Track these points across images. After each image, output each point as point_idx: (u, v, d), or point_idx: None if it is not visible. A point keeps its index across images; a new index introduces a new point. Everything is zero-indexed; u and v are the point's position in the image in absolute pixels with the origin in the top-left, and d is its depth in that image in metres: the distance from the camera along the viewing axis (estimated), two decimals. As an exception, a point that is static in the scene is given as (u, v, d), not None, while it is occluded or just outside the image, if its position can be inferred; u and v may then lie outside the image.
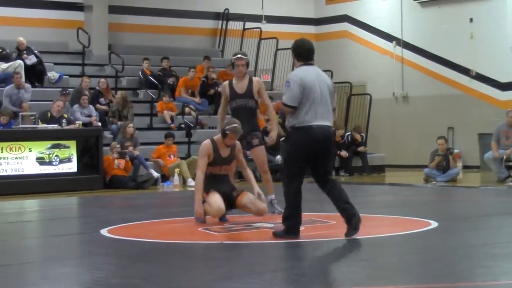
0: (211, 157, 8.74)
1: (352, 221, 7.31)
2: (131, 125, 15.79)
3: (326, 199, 7.59)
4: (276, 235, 7.37)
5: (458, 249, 6.99)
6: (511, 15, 18.80)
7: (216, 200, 8.60)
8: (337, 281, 5.74)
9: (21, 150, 14.22)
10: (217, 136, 8.82)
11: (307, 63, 7.32)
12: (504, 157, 14.85)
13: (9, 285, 5.70)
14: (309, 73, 7.23)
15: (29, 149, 14.33)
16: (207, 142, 8.78)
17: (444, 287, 5.28)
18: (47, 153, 14.54)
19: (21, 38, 17.13)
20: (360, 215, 7.32)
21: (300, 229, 7.38)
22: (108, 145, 15.51)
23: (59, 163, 14.63)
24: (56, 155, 14.60)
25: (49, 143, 14.59)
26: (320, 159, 7.28)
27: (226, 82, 9.54)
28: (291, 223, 7.30)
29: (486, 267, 5.99)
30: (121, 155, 15.20)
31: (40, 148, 14.48)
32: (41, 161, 14.45)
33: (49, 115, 15.16)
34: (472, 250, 6.91)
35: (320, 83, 7.23)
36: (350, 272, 6.01)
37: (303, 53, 7.35)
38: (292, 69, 20.20)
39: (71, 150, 14.78)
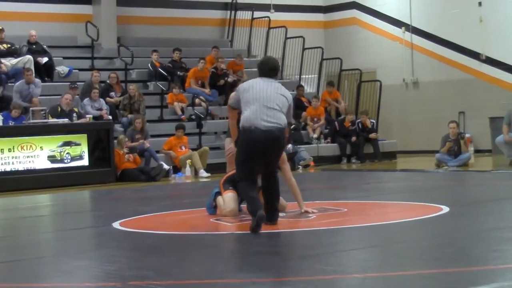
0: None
1: (257, 217, 7.27)
2: (138, 120, 15.80)
3: (338, 186, 7.59)
4: (252, 230, 7.28)
5: (470, 234, 6.99)
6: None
7: (231, 199, 8.54)
8: (350, 268, 5.73)
9: (32, 149, 14.24)
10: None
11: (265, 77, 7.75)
12: (512, 140, 14.78)
13: (23, 279, 5.74)
14: (258, 81, 7.67)
15: (41, 147, 14.36)
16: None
17: (457, 272, 5.28)
18: (58, 151, 14.58)
19: (32, 32, 17.18)
20: (372, 201, 7.27)
21: (278, 215, 7.74)
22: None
23: (70, 161, 14.66)
24: (68, 153, 14.64)
25: (60, 141, 14.61)
26: (266, 160, 7.52)
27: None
28: (254, 212, 7.30)
29: (499, 251, 5.97)
30: (131, 150, 15.24)
31: (51, 145, 14.51)
32: (52, 159, 14.48)
33: (59, 109, 15.20)
34: (484, 234, 6.90)
35: (272, 90, 7.58)
36: (362, 259, 6.00)
37: (264, 70, 7.75)
38: (302, 58, 20.41)
39: (82, 147, 14.82)
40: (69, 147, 14.67)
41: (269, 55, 7.81)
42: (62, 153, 14.59)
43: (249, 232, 7.68)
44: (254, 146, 7.42)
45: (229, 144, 8.84)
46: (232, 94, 7.84)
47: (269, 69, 7.77)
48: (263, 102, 7.50)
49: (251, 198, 7.45)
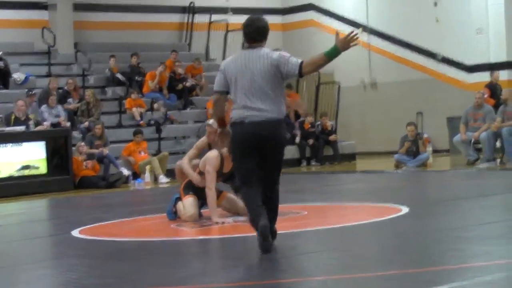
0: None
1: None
2: (98, 126, 15.68)
3: (298, 189, 7.58)
4: (261, 248, 6.22)
5: (430, 234, 7.04)
6: (474, 1, 18.91)
7: (191, 204, 8.52)
8: (310, 270, 5.74)
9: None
10: (224, 149, 8.35)
11: (250, 46, 6.37)
12: (473, 139, 14.95)
13: None
14: (238, 60, 6.34)
15: (-1, 171, 14.18)
16: (215, 155, 8.39)
17: (417, 272, 5.32)
18: (16, 175, 14.37)
19: None
20: (332, 204, 7.22)
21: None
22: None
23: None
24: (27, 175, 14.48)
25: (19, 164, 14.39)
26: (263, 158, 6.32)
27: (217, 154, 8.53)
28: (256, 226, 6.21)
29: (458, 250, 6.02)
30: (89, 157, 15.10)
31: (10, 169, 14.29)
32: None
33: (13, 117, 14.96)
34: (443, 234, 6.95)
35: (253, 69, 6.24)
36: (322, 261, 6.01)
37: (251, 35, 6.35)
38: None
39: (41, 169, 14.59)
40: (28, 170, 14.47)
41: (255, 15, 6.59)
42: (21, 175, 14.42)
43: (209, 237, 7.67)
44: (246, 141, 6.25)
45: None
46: (218, 76, 6.46)
47: (257, 32, 6.35)
48: (250, 87, 6.25)
49: (252, 205, 6.28)
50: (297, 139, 18.06)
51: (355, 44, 6.27)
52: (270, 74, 6.26)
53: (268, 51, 6.35)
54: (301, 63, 6.22)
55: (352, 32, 6.25)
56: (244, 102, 6.26)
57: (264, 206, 6.24)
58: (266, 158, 6.32)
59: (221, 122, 6.53)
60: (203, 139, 8.87)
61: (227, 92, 6.41)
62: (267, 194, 6.35)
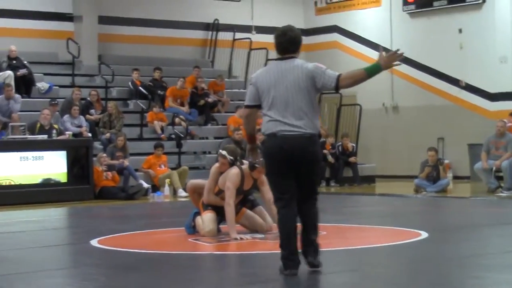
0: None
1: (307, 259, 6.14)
2: (121, 137, 15.75)
3: (322, 208, 7.46)
4: (280, 269, 6.08)
5: (449, 260, 6.97)
6: (499, 25, 18.86)
7: (210, 220, 8.51)
8: None
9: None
10: (244, 166, 8.45)
11: (283, 57, 6.09)
12: (494, 167, 14.86)
13: None
14: (270, 72, 6.06)
15: (19, 183, 14.22)
16: (236, 172, 8.39)
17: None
18: (37, 183, 14.44)
19: (13, 47, 17.10)
20: (351, 225, 7.10)
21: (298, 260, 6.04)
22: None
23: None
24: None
25: (40, 177, 14.47)
26: (298, 172, 6.03)
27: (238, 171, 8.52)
28: (283, 253, 6.01)
29: (477, 277, 5.98)
30: (110, 168, 15.15)
31: (30, 178, 14.37)
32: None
33: (38, 125, 15.09)
34: (463, 260, 6.89)
35: (286, 82, 5.95)
36: (339, 282, 6.00)
37: (283, 45, 6.08)
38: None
39: (62, 178, 14.66)
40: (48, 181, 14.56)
41: (287, 25, 6.39)
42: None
43: (226, 252, 7.65)
44: (279, 155, 5.95)
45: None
46: (249, 90, 6.18)
47: (290, 42, 6.08)
48: (283, 100, 5.96)
49: (284, 229, 5.99)
50: (330, 157, 17.91)
51: (398, 64, 6.06)
52: (304, 86, 5.95)
53: (303, 62, 6.06)
54: (339, 76, 5.97)
55: (397, 50, 6.03)
56: (277, 115, 5.95)
57: (296, 231, 5.99)
58: (300, 174, 6.00)
59: (252, 138, 6.32)
60: (216, 166, 8.62)
61: (259, 106, 6.10)
62: (305, 211, 6.08)
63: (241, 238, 8.15)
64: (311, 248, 6.09)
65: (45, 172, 14.57)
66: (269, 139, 6.01)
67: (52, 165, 14.69)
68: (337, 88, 6.02)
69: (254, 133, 6.28)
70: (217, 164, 8.64)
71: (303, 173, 6.01)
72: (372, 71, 5.98)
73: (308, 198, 6.10)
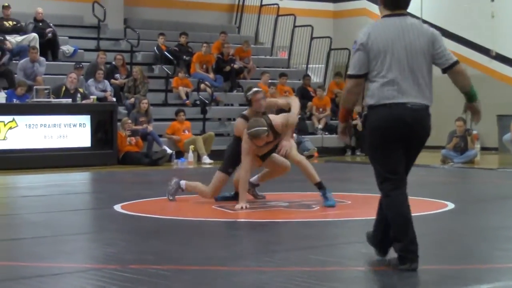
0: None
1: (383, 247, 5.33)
2: (145, 101, 15.69)
3: (342, 178, 7.50)
4: (390, 263, 5.26)
5: (475, 231, 6.90)
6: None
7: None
8: (353, 260, 5.67)
9: (35, 128, 14.16)
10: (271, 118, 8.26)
11: (394, 13, 5.18)
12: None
13: (22, 259, 5.70)
14: (386, 31, 5.12)
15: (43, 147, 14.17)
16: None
17: (461, 269, 5.19)
18: (60, 146, 14.38)
19: (39, 9, 17.05)
20: (377, 195, 6.79)
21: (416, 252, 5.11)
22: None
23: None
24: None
25: (64, 142, 14.38)
26: (407, 151, 5.16)
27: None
28: (399, 245, 5.13)
29: (504, 249, 5.91)
30: (133, 133, 15.12)
31: (54, 140, 14.36)
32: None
33: (63, 89, 15.07)
34: (489, 232, 6.82)
35: (407, 44, 5.10)
36: (365, 252, 5.89)
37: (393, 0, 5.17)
38: (310, 47, 20.20)
39: (85, 142, 14.61)
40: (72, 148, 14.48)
41: None
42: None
43: (250, 220, 7.60)
44: (392, 129, 5.06)
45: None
46: (356, 56, 5.15)
47: None
48: (404, 63, 5.09)
49: (401, 221, 5.12)
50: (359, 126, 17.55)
51: (477, 122, 5.45)
52: (426, 50, 5.14)
53: (419, 21, 5.28)
54: (457, 61, 5.23)
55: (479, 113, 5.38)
56: (393, 82, 5.05)
57: (411, 219, 5.14)
58: (409, 151, 5.16)
59: (348, 115, 5.33)
60: (247, 141, 8.07)
61: (367, 75, 5.14)
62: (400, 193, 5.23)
63: (246, 207, 8.01)
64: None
65: (69, 136, 14.56)
66: (381, 110, 5.07)
67: (76, 129, 14.67)
68: (445, 70, 5.20)
69: (352, 109, 5.31)
70: (246, 139, 8.10)
71: (413, 149, 5.18)
72: (474, 94, 5.37)
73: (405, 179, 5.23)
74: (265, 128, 7.94)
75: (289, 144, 8.18)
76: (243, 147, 8.08)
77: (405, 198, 5.17)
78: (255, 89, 8.37)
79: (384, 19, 5.19)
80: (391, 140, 5.09)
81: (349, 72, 5.23)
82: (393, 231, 5.14)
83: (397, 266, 5.09)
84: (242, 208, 8.00)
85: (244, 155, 8.05)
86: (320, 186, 8.24)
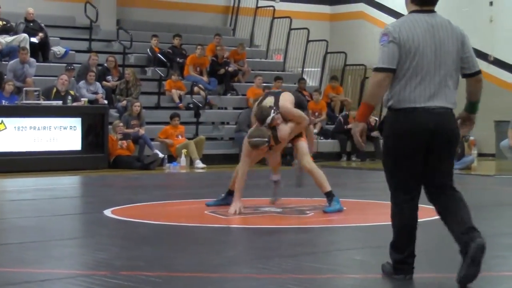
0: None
1: (468, 254, 4.85)
2: (137, 103, 15.53)
3: (337, 184, 7.40)
4: (383, 268, 5.14)
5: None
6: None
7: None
8: (347, 268, 5.63)
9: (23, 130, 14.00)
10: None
11: (422, 9, 4.90)
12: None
13: (10, 264, 5.63)
14: (416, 26, 4.82)
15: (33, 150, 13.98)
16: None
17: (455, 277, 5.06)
18: (50, 150, 14.19)
19: (30, 9, 16.89)
20: (371, 201, 6.77)
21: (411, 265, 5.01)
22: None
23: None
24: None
25: (54, 145, 14.14)
26: (432, 159, 4.86)
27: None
28: (397, 256, 5.00)
29: (501, 257, 5.87)
30: (125, 137, 14.96)
31: (44, 144, 14.14)
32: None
33: (54, 90, 14.90)
34: (486, 239, 6.62)
35: (436, 43, 4.82)
36: (360, 259, 5.93)
37: None
38: (305, 51, 20.10)
39: (76, 146, 14.40)
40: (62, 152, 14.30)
41: None
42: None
43: (244, 226, 7.50)
44: (417, 137, 4.77)
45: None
46: (389, 48, 4.79)
47: None
48: (434, 64, 4.80)
49: (405, 233, 4.98)
50: (375, 133, 17.40)
51: (466, 133, 5.19)
52: (454, 50, 4.85)
53: (448, 20, 4.97)
54: (480, 69, 4.98)
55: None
56: (420, 83, 4.77)
57: (415, 232, 5.01)
58: (436, 158, 4.84)
59: (371, 112, 4.99)
60: (246, 144, 8.08)
61: (395, 70, 4.82)
62: (448, 203, 4.99)
63: (240, 211, 7.92)
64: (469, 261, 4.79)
65: (59, 139, 14.38)
66: (403, 115, 4.77)
67: (67, 132, 14.50)
68: (466, 75, 4.92)
69: (375, 106, 4.95)
70: (245, 141, 8.13)
71: (442, 156, 4.86)
72: (478, 106, 5.14)
73: (446, 186, 4.92)
74: (265, 139, 7.93)
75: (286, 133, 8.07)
76: (244, 147, 8.07)
77: (414, 210, 4.99)
78: (272, 115, 8.06)
79: (412, 14, 4.89)
80: (411, 149, 4.82)
81: (378, 65, 4.82)
82: (394, 240, 4.99)
83: (391, 275, 4.98)
84: (235, 212, 7.91)
85: (244, 156, 8.09)
86: (329, 195, 8.17)
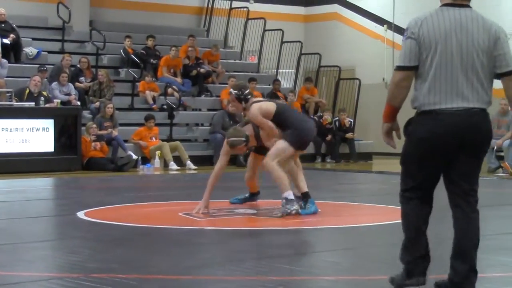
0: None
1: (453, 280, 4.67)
2: (110, 105, 15.44)
3: (311, 186, 7.41)
4: (392, 281, 4.76)
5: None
6: (505, 2, 18.56)
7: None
8: (321, 269, 5.62)
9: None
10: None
11: (455, 3, 4.50)
12: (495, 147, 14.63)
13: None
14: (440, 21, 4.46)
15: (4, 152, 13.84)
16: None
17: (430, 279, 5.06)
18: (22, 151, 14.06)
19: (1, 10, 16.70)
20: (346, 203, 6.71)
21: (426, 272, 4.72)
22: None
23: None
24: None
25: (26, 146, 14.03)
26: (457, 164, 4.51)
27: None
28: (409, 258, 4.69)
29: (501, 258, 5.92)
30: (98, 138, 14.86)
31: (15, 145, 14.03)
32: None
33: (27, 92, 14.77)
34: (486, 240, 6.62)
35: (463, 39, 4.43)
36: (334, 261, 5.90)
37: None
38: (280, 52, 20.12)
39: (49, 147, 14.30)
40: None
41: None
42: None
43: (218, 228, 7.48)
44: (439, 141, 4.44)
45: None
46: (406, 45, 4.48)
47: None
48: (460, 61, 4.43)
49: (412, 228, 4.72)
50: (349, 135, 17.38)
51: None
52: (486, 47, 4.46)
53: (482, 16, 4.54)
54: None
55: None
56: (443, 83, 4.42)
57: (426, 234, 4.74)
58: (463, 161, 4.51)
59: (395, 112, 4.70)
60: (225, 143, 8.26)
61: (417, 68, 4.47)
62: (460, 213, 4.70)
63: (204, 211, 7.99)
64: (465, 272, 4.66)
65: (31, 140, 14.26)
66: (426, 119, 4.47)
67: (39, 134, 14.38)
68: (503, 75, 4.51)
69: (400, 106, 4.64)
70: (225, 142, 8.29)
71: (471, 157, 4.50)
72: None
73: (468, 195, 4.60)
74: (243, 139, 8.05)
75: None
76: (224, 146, 8.22)
77: (424, 212, 4.72)
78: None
79: (442, 8, 4.50)
80: (433, 154, 4.49)
81: (397, 64, 4.52)
82: (404, 241, 4.72)
83: (403, 280, 4.65)
84: (199, 211, 7.95)
85: (222, 154, 8.22)
86: (305, 196, 8.15)
